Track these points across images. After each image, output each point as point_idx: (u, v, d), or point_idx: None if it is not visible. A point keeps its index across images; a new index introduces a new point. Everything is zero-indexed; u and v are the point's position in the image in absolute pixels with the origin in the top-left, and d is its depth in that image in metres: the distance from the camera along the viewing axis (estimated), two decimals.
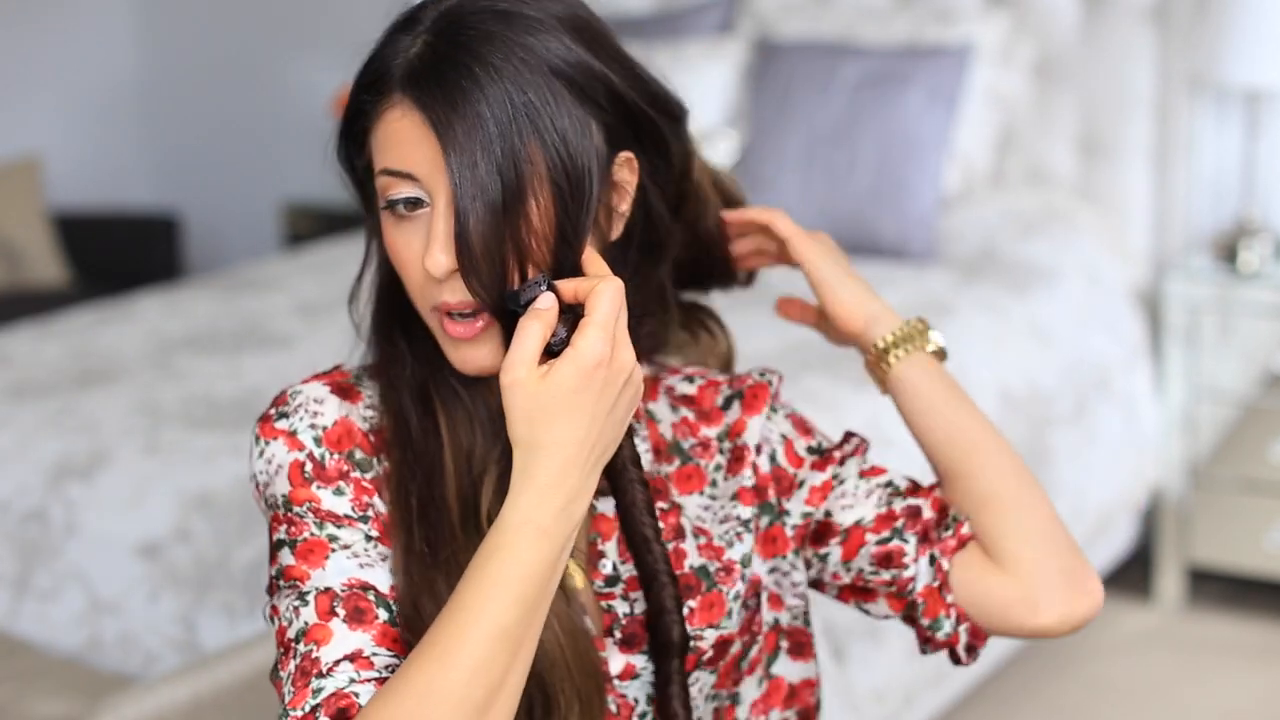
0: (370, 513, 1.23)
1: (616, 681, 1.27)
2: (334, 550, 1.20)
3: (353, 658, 1.16)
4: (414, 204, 1.18)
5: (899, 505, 1.33)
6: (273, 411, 1.26)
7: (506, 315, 1.16)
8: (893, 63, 3.63)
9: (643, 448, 1.30)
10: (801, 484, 1.34)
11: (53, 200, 5.16)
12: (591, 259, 1.18)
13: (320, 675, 1.16)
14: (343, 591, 1.19)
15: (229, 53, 5.33)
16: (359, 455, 1.25)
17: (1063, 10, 3.77)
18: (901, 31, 3.75)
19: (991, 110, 3.71)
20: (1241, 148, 3.71)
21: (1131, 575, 3.76)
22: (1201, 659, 3.40)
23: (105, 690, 2.28)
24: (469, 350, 1.20)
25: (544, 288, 1.15)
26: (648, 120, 1.24)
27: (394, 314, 1.28)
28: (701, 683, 1.29)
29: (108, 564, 2.54)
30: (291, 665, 1.17)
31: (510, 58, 1.16)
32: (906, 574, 1.31)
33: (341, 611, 1.18)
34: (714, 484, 1.32)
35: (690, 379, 1.36)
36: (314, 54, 5.15)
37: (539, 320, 1.13)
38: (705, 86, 3.81)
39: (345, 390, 1.28)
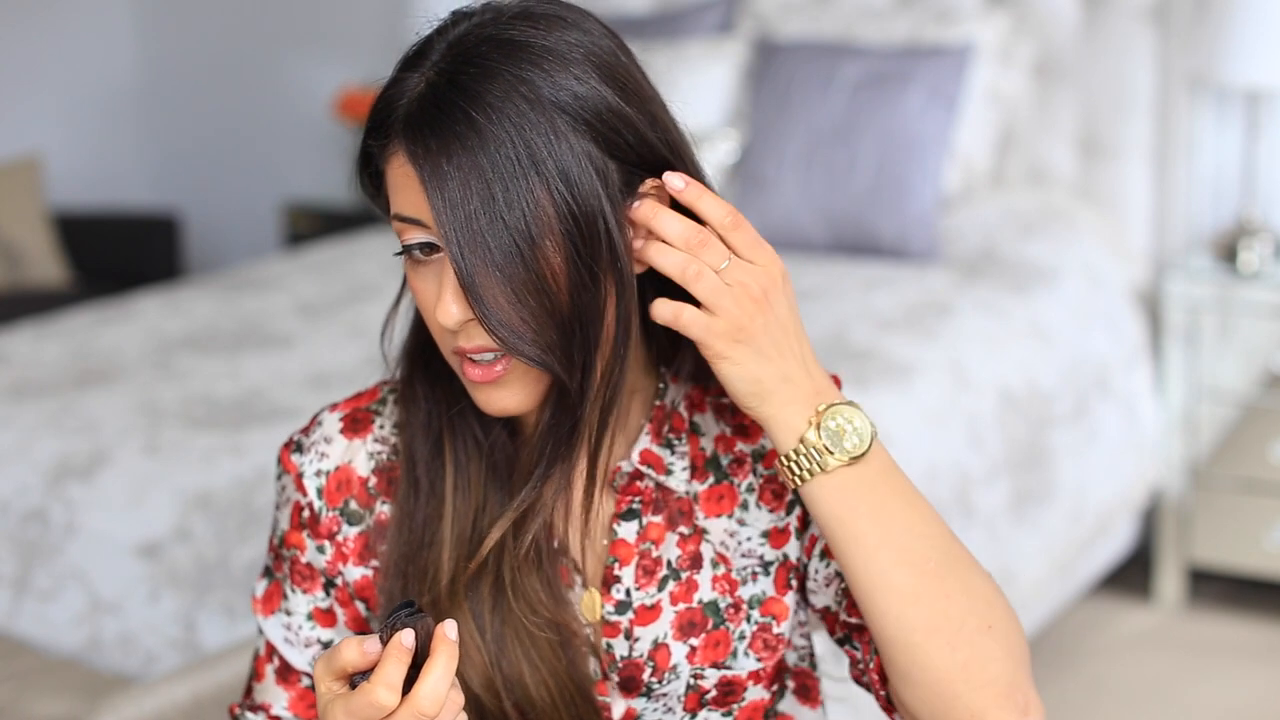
0: (338, 580, 1.29)
1: None
2: (279, 611, 1.30)
3: (266, 709, 1.31)
4: (430, 249, 1.15)
5: (844, 612, 1.25)
6: (295, 439, 1.31)
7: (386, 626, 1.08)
8: (893, 63, 3.63)
9: (680, 465, 1.26)
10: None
11: (53, 200, 5.16)
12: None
13: (250, 708, 1.32)
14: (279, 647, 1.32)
15: (229, 53, 5.33)
16: (352, 506, 1.29)
17: (1063, 10, 3.77)
18: (901, 31, 3.75)
19: (991, 110, 3.71)
20: (1241, 148, 3.71)
21: (1131, 575, 3.76)
22: (1201, 659, 3.40)
23: (105, 690, 2.28)
24: (491, 393, 1.18)
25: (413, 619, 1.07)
26: (670, 152, 1.18)
27: (420, 356, 1.27)
28: None
29: (108, 564, 2.54)
30: (245, 680, 1.29)
31: (510, 95, 1.11)
32: (859, 666, 1.26)
33: (276, 662, 1.32)
34: (744, 506, 1.27)
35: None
36: (314, 54, 5.15)
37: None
38: (705, 86, 3.81)
39: (358, 422, 1.29)
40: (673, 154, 1.18)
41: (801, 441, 1.15)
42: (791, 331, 1.15)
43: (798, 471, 1.16)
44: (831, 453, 1.15)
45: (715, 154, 3.71)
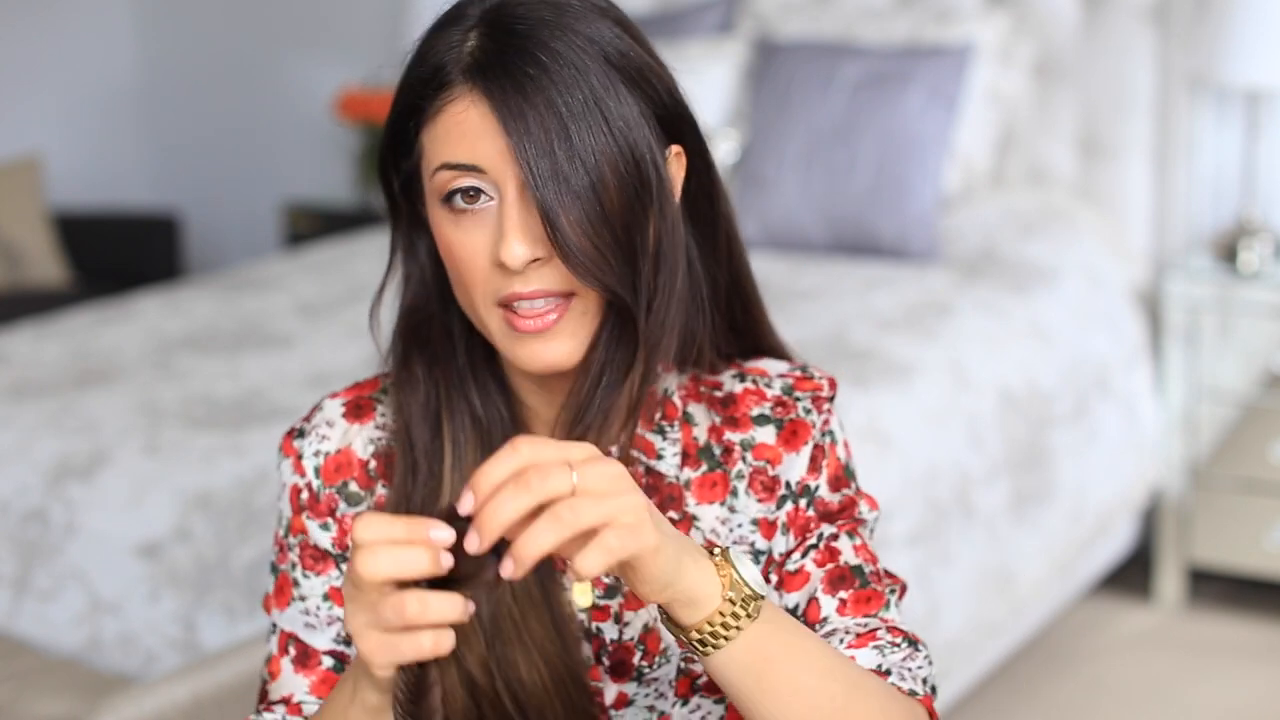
0: (349, 552, 1.25)
1: (612, 711, 1.26)
2: (294, 600, 1.28)
3: (287, 700, 1.27)
4: (473, 196, 1.16)
5: None
6: (297, 426, 1.30)
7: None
8: (893, 63, 3.63)
9: (671, 450, 1.27)
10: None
11: (53, 200, 5.16)
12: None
13: (266, 708, 1.27)
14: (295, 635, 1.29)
15: (229, 53, 5.33)
16: (352, 488, 1.28)
17: (1063, 10, 3.77)
18: (901, 31, 3.75)
19: (991, 110, 3.71)
20: (1241, 148, 3.71)
21: (1131, 575, 3.76)
22: (1201, 659, 3.40)
23: (105, 690, 2.28)
24: (541, 345, 1.18)
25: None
26: (689, 116, 1.23)
27: (415, 335, 1.27)
28: (705, 710, 1.27)
29: (108, 564, 2.54)
30: (259, 683, 1.25)
31: (571, 45, 1.15)
32: None
33: (293, 651, 1.28)
34: (735, 494, 1.27)
35: (744, 377, 1.29)
36: (314, 54, 5.15)
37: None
38: (705, 86, 3.81)
39: (360, 408, 1.29)
40: (695, 119, 1.23)
41: (728, 600, 1.06)
42: (662, 525, 1.05)
43: (722, 634, 1.07)
44: (746, 608, 1.06)
45: (715, 154, 3.71)
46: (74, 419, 2.84)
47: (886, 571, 1.26)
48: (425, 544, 1.01)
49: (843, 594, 1.21)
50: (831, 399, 1.28)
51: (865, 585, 1.22)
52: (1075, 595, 3.52)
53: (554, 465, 1.00)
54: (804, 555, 1.23)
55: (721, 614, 1.06)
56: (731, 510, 1.26)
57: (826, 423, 1.27)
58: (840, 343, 3.08)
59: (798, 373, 1.29)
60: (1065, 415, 3.29)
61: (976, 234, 3.61)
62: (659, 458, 1.26)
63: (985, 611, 2.98)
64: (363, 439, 1.28)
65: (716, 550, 1.08)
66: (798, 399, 1.27)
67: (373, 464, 1.28)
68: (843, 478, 1.27)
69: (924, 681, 1.20)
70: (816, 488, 1.25)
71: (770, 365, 1.30)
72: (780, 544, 1.25)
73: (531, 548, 0.99)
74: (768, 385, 1.28)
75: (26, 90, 5.20)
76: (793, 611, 1.23)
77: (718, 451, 1.27)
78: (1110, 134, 3.76)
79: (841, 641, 1.19)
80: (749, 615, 1.06)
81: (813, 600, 1.22)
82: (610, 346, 1.20)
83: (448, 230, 1.18)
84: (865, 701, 1.11)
